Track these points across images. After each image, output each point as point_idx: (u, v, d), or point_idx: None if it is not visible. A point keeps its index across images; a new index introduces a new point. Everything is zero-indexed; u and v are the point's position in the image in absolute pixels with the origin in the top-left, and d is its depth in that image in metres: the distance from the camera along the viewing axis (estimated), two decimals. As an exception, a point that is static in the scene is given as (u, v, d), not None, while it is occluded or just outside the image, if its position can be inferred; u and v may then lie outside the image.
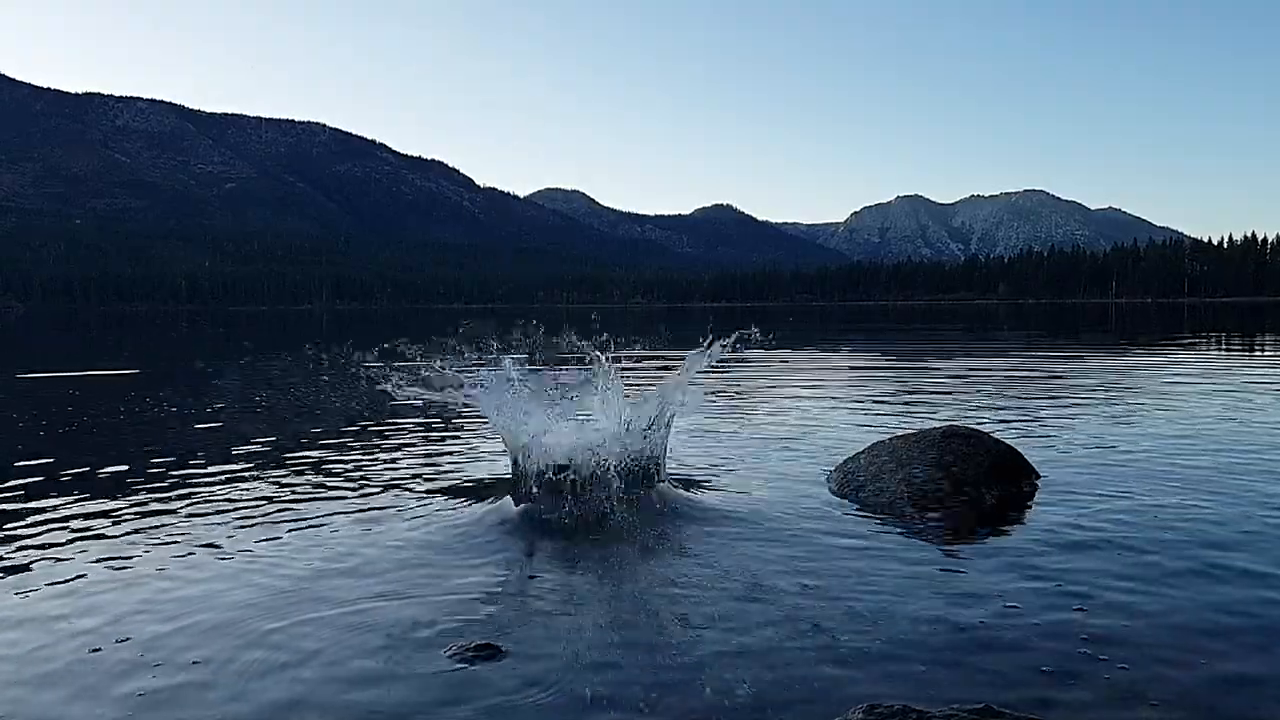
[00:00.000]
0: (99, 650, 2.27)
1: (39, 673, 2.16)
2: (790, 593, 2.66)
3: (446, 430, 6.06)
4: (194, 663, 2.18)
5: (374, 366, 4.18)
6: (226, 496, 4.05)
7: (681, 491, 3.91)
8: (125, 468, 4.85)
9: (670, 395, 3.90)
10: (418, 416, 6.57)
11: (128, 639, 2.34)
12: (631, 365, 4.32)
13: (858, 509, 3.70)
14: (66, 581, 2.84)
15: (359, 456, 5.09)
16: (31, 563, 3.07)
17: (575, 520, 3.41)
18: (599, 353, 3.90)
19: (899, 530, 3.38)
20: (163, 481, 4.42)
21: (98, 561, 3.06)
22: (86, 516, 3.69)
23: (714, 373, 8.36)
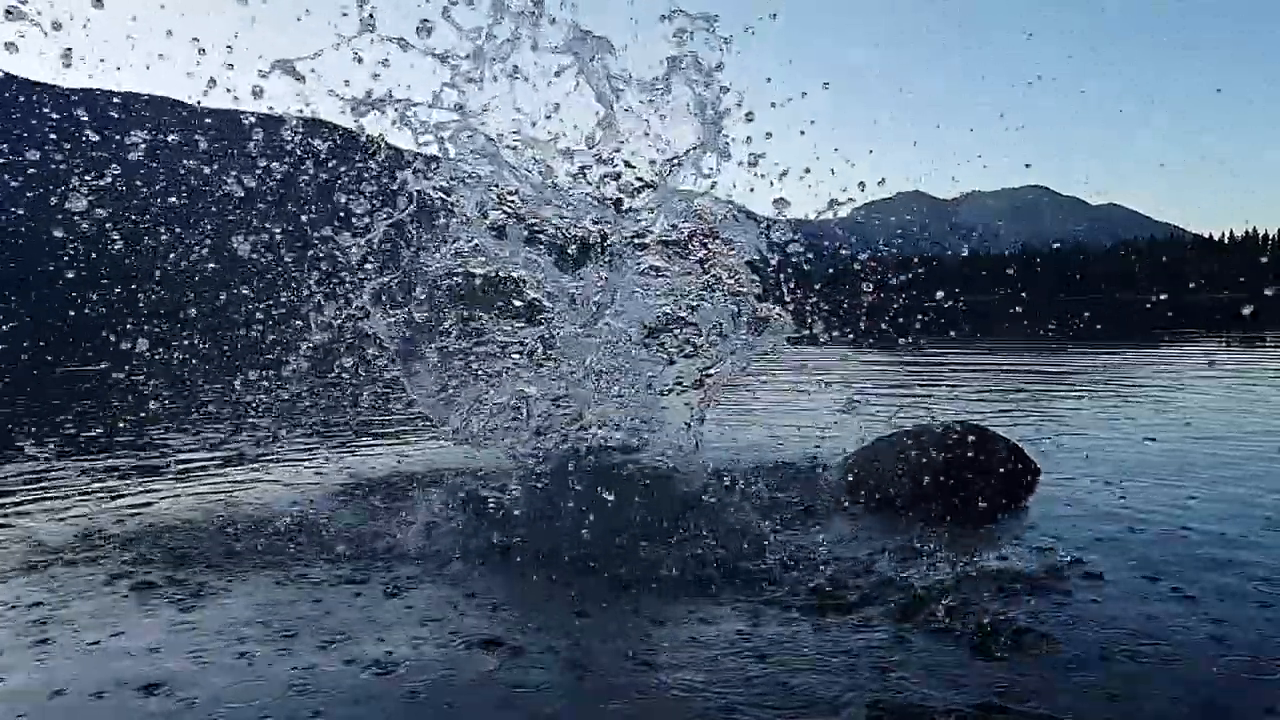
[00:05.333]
0: None
1: None
2: (788, 582, 2.67)
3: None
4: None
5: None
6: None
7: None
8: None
9: None
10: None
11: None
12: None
13: (861, 504, 3.70)
14: None
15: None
16: None
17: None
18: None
19: (902, 525, 3.38)
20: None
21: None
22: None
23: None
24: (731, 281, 3.92)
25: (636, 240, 3.86)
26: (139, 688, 2.03)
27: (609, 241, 3.87)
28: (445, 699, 1.96)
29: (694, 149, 3.69)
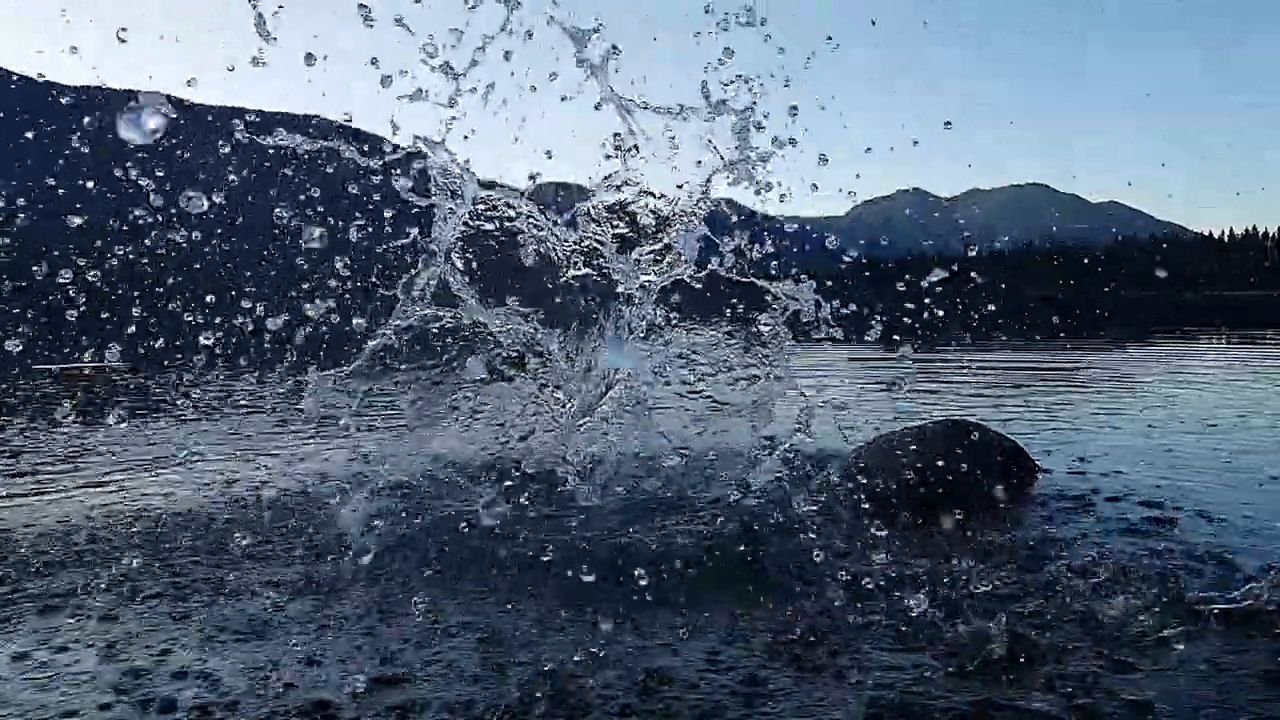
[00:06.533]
0: None
1: None
2: (789, 582, 2.66)
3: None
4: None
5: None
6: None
7: (673, 484, 3.88)
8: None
9: None
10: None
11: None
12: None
13: (860, 503, 3.69)
14: None
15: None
16: None
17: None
18: None
19: (901, 524, 3.37)
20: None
21: None
22: None
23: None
24: (766, 351, 3.62)
25: (648, 290, 3.44)
26: (140, 688, 2.02)
27: (618, 291, 3.51)
28: (446, 701, 1.95)
29: (730, 165, 3.32)
